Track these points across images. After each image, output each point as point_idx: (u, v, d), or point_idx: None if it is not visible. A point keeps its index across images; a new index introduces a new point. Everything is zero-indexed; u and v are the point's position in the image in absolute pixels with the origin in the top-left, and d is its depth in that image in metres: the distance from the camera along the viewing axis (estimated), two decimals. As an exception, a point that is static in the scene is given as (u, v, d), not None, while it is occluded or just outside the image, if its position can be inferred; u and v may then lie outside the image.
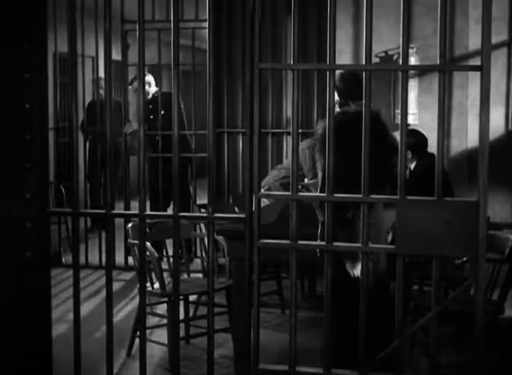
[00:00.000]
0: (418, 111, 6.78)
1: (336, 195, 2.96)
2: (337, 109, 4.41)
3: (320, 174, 4.22)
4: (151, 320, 5.17)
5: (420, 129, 5.94)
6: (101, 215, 3.34)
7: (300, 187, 4.61)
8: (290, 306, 3.02)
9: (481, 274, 2.79)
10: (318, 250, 3.47)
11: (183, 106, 7.33)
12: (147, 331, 3.44)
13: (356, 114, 3.46)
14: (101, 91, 8.48)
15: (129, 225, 4.99)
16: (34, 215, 3.14)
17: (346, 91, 4.28)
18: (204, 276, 5.34)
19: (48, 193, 3.33)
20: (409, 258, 4.77)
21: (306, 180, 4.98)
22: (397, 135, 3.12)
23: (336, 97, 4.39)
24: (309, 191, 4.81)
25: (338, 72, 4.41)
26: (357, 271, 4.03)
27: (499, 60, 6.71)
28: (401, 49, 2.87)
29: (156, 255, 4.79)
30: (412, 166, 5.61)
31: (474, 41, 6.63)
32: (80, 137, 8.18)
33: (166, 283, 4.80)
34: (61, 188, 8.13)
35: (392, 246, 2.97)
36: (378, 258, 4.20)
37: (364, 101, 2.92)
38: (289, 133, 7.11)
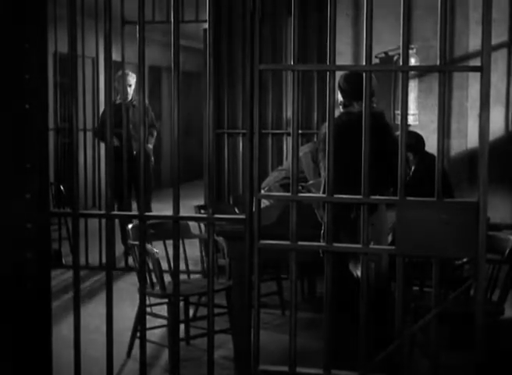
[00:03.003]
0: (418, 112, 6.79)
1: (336, 196, 2.96)
2: (341, 110, 4.41)
3: (323, 174, 4.23)
4: (151, 321, 5.16)
5: (418, 130, 5.95)
6: (101, 216, 3.34)
7: (300, 187, 4.61)
8: (290, 307, 3.02)
9: (481, 275, 2.80)
10: (321, 250, 3.48)
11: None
12: (148, 332, 3.44)
13: (360, 115, 3.46)
14: (129, 90, 7.82)
15: (130, 226, 5.00)
16: (34, 215, 3.14)
17: (351, 92, 4.28)
18: (204, 277, 5.34)
19: (48, 194, 3.33)
20: (409, 258, 4.77)
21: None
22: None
23: (340, 97, 4.39)
24: (309, 191, 4.81)
25: (342, 73, 4.42)
26: (359, 272, 4.04)
27: (499, 61, 6.71)
28: (401, 50, 2.87)
29: (156, 256, 4.79)
30: (413, 167, 5.59)
31: (474, 42, 6.64)
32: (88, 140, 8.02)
33: (166, 284, 4.80)
34: (61, 189, 8.13)
35: (392, 247, 2.97)
36: (381, 259, 4.21)
37: (364, 102, 2.92)
38: (289, 134, 7.11)
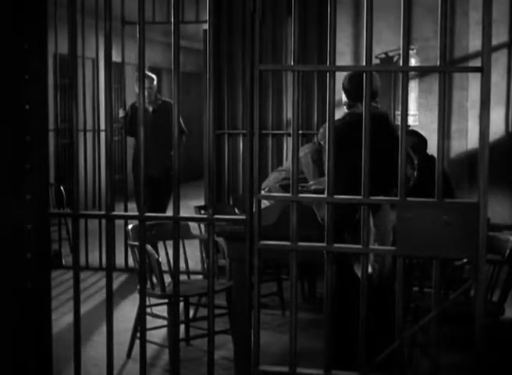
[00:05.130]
0: (418, 112, 6.79)
1: (336, 197, 2.96)
2: (345, 110, 4.40)
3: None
4: (152, 322, 5.17)
5: (420, 130, 5.95)
6: (101, 216, 3.34)
7: (300, 187, 4.60)
8: (291, 307, 3.01)
9: (481, 275, 2.79)
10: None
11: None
12: (148, 333, 3.43)
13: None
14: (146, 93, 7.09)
15: (130, 226, 5.00)
16: (34, 216, 3.13)
17: (355, 92, 4.27)
18: (204, 278, 5.34)
19: (48, 194, 3.33)
20: (409, 259, 4.77)
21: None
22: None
23: (344, 98, 4.39)
24: (311, 191, 4.79)
25: (346, 73, 4.41)
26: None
27: (499, 61, 6.71)
28: (401, 50, 2.87)
29: (156, 256, 4.79)
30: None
31: (475, 43, 6.64)
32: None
33: (166, 284, 4.80)
34: (61, 189, 8.13)
35: (392, 247, 2.97)
36: (384, 260, 4.20)
37: (364, 103, 2.91)
38: (289, 135, 7.11)
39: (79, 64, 6.09)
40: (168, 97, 7.69)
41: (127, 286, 6.80)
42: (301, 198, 3.04)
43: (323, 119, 6.73)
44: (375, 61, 6.75)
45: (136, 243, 4.56)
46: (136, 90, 7.22)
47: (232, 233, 4.42)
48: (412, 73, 6.53)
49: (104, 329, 3.33)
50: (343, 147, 3.48)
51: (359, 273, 4.08)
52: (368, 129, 2.91)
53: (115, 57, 3.89)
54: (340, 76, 4.39)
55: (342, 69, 3.60)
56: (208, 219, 3.11)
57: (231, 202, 7.13)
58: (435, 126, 2.93)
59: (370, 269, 4.11)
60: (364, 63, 2.88)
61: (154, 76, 7.50)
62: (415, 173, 4.18)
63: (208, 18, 3.06)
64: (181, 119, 7.41)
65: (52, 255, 7.37)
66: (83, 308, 3.44)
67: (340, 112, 4.34)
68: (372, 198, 2.94)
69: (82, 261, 7.28)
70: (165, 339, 5.06)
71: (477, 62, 2.90)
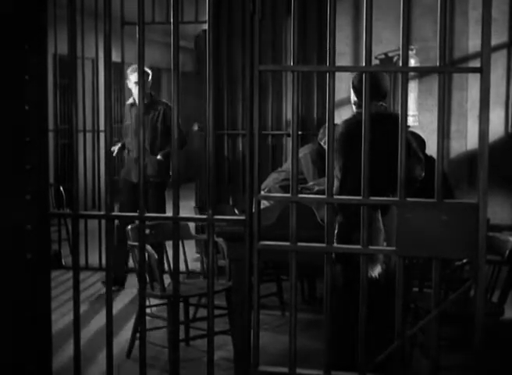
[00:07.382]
0: (418, 113, 6.79)
1: (336, 197, 2.96)
2: (354, 109, 4.39)
3: (339, 175, 4.17)
4: (151, 322, 5.17)
5: (418, 130, 5.95)
6: (100, 216, 3.34)
7: (300, 189, 4.61)
8: (290, 308, 3.01)
9: (481, 276, 2.79)
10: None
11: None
12: (147, 333, 3.43)
13: (375, 115, 3.39)
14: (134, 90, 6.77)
15: (129, 227, 4.99)
16: (34, 217, 3.13)
17: None
18: (204, 278, 5.34)
19: (47, 195, 3.33)
20: (409, 259, 4.76)
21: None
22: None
23: (354, 97, 4.37)
24: (315, 192, 4.79)
25: (356, 73, 4.41)
26: (374, 273, 4.04)
27: (498, 62, 6.71)
28: (401, 51, 2.87)
29: (156, 256, 4.79)
30: None
31: (474, 43, 6.64)
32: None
33: (166, 284, 4.80)
34: (61, 190, 8.13)
35: (392, 248, 2.97)
36: (390, 260, 4.20)
37: (363, 103, 2.92)
38: (289, 135, 7.11)
39: (78, 64, 6.09)
40: (168, 97, 7.59)
41: (127, 286, 6.80)
42: (301, 198, 3.04)
43: (323, 119, 6.73)
44: (375, 61, 6.75)
45: (136, 243, 4.55)
46: (129, 86, 6.87)
47: (232, 233, 4.43)
48: (412, 74, 6.53)
49: (103, 329, 3.33)
50: (354, 146, 3.45)
51: (372, 274, 4.08)
52: (369, 128, 2.91)
53: (115, 57, 3.88)
54: (340, 77, 4.40)
55: (341, 69, 3.60)
56: (208, 219, 3.11)
57: (231, 203, 7.13)
58: (434, 126, 2.93)
59: (380, 270, 4.10)
60: (364, 64, 2.88)
61: (149, 71, 6.89)
62: (423, 174, 4.17)
63: (207, 18, 3.06)
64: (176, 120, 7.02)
65: (52, 256, 7.37)
66: (83, 309, 3.43)
67: (340, 113, 4.34)
68: (372, 198, 2.94)
69: (82, 261, 7.28)
70: (164, 339, 5.06)
71: (476, 63, 2.90)
